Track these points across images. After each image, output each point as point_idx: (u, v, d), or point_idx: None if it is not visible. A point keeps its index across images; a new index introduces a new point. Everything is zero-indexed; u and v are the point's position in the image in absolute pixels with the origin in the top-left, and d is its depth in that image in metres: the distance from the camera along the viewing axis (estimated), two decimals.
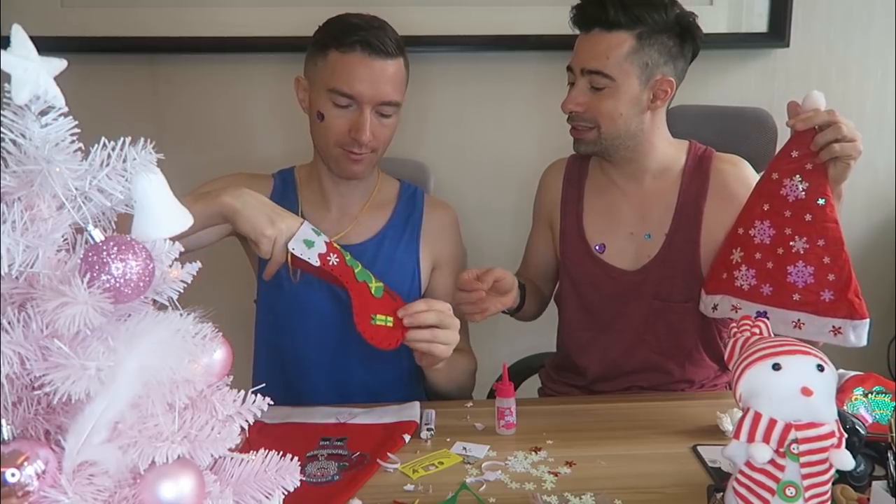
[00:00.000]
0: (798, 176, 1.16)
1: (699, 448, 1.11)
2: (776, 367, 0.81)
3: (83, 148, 0.56)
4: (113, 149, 0.57)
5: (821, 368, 0.81)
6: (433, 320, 1.16)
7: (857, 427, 0.94)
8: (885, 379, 1.06)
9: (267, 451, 0.65)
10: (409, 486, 1.03)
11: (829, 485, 0.80)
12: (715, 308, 1.28)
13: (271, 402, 0.63)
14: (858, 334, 1.15)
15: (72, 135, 0.56)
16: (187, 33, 1.80)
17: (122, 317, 0.56)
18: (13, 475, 0.50)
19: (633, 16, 1.24)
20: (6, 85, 0.53)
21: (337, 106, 1.26)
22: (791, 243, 1.17)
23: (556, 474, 1.06)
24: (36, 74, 0.53)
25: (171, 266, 0.61)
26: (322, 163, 1.36)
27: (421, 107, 1.88)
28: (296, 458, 0.66)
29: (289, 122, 1.81)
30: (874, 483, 0.88)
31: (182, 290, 0.61)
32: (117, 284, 0.53)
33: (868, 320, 1.15)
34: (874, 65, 1.94)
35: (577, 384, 1.49)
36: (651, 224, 1.38)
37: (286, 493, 0.65)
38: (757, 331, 0.90)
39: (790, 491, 0.79)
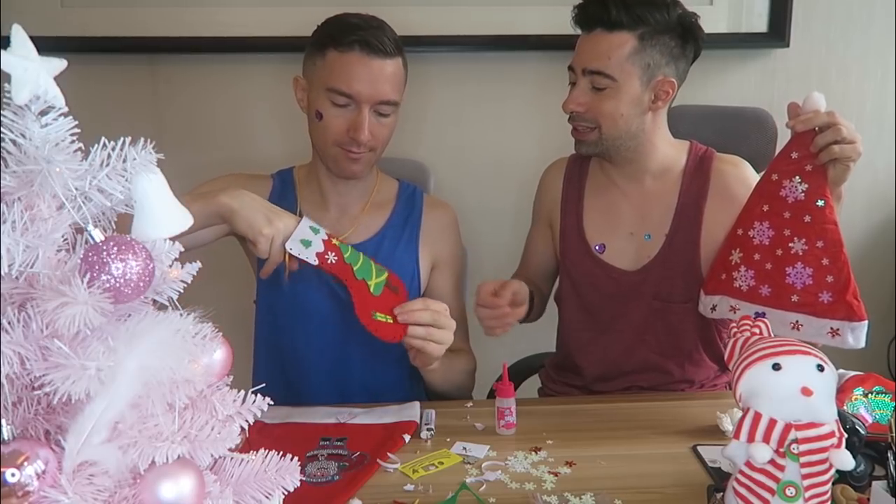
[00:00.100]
0: (798, 177, 1.16)
1: (699, 448, 1.11)
2: (776, 367, 0.81)
3: (83, 148, 0.56)
4: (113, 149, 0.57)
5: (821, 368, 0.81)
6: (428, 319, 1.16)
7: (857, 427, 0.94)
8: (885, 379, 1.06)
9: (267, 451, 0.65)
10: (409, 486, 1.03)
11: (829, 485, 0.80)
12: (713, 309, 1.28)
13: (271, 402, 0.63)
14: (857, 336, 1.14)
15: (72, 135, 0.56)
16: (187, 33, 1.80)
17: (122, 317, 0.56)
18: (13, 475, 0.50)
19: (635, 16, 1.24)
20: (6, 85, 0.53)
21: (335, 105, 1.26)
22: (790, 244, 1.17)
23: (556, 474, 1.06)
24: (36, 74, 0.53)
25: (171, 266, 0.61)
26: (321, 163, 1.36)
27: (421, 107, 1.88)
28: (296, 458, 0.66)
29: (289, 122, 1.81)
30: (874, 483, 0.88)
31: (182, 290, 0.61)
32: (117, 284, 0.53)
33: (867, 322, 1.14)
34: (874, 65, 1.94)
35: (576, 384, 1.49)
36: (651, 224, 1.38)
37: (286, 493, 0.65)
38: (757, 331, 0.90)
39: (790, 491, 0.79)
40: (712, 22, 1.80)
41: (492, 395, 1.41)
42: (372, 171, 1.40)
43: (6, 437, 0.52)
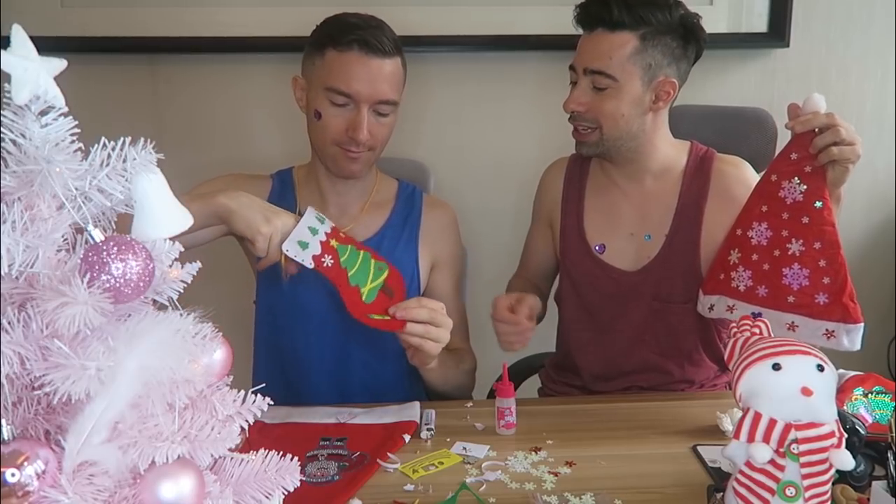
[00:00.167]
0: (797, 178, 1.16)
1: (699, 448, 1.11)
2: (776, 367, 0.81)
3: (83, 148, 0.56)
4: (113, 149, 0.57)
5: (821, 368, 0.81)
6: (425, 316, 1.16)
7: (857, 427, 0.94)
8: (885, 379, 1.06)
9: (267, 451, 0.65)
10: (409, 486, 1.03)
11: (829, 485, 0.80)
12: (711, 308, 1.28)
13: (271, 402, 0.63)
14: (852, 339, 1.14)
15: (72, 135, 0.56)
16: (187, 33, 1.80)
17: (122, 317, 0.56)
18: (13, 475, 0.50)
19: (637, 16, 1.24)
20: (6, 85, 0.53)
21: (334, 105, 1.26)
22: (787, 245, 1.17)
23: (556, 474, 1.06)
24: (36, 74, 0.53)
25: (171, 266, 0.61)
26: (320, 163, 1.36)
27: (421, 107, 1.88)
28: (296, 458, 0.67)
29: (289, 121, 1.81)
30: (874, 483, 0.88)
31: (182, 290, 0.61)
32: (117, 284, 0.53)
33: (862, 325, 1.14)
34: (874, 65, 1.94)
35: (576, 384, 1.49)
36: (651, 225, 1.38)
37: (286, 493, 0.65)
38: (757, 331, 0.90)
39: (790, 491, 0.79)
40: (712, 22, 1.79)
41: (492, 395, 1.41)
42: (371, 170, 1.40)
43: (6, 437, 0.52)
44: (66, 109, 0.55)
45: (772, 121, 1.61)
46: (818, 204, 1.14)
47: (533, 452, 1.12)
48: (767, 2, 1.87)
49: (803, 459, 0.78)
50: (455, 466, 1.09)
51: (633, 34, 1.25)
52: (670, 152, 1.38)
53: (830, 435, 0.78)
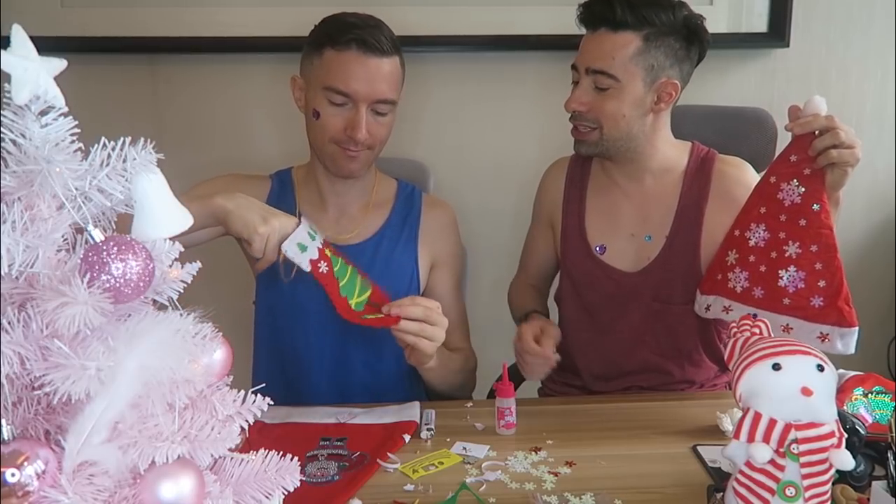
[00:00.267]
0: (795, 180, 1.16)
1: (699, 448, 1.11)
2: (776, 367, 0.81)
3: (83, 148, 0.56)
4: (113, 149, 0.57)
5: (821, 368, 0.81)
6: (419, 314, 1.16)
7: (857, 427, 0.94)
8: (885, 379, 1.06)
9: (267, 451, 0.65)
10: (409, 486, 1.03)
11: (829, 485, 0.80)
12: (708, 308, 1.28)
13: (271, 402, 0.63)
14: (846, 342, 1.14)
15: (72, 135, 0.56)
16: (187, 33, 1.80)
17: (122, 317, 0.56)
18: (13, 475, 0.50)
19: (641, 16, 1.23)
20: (6, 85, 0.53)
21: (332, 104, 1.26)
22: (784, 248, 1.17)
23: (556, 474, 1.06)
24: (36, 74, 0.53)
25: (171, 266, 0.61)
26: (319, 162, 1.36)
27: (420, 107, 1.88)
28: (296, 458, 0.67)
29: (289, 121, 1.80)
30: (874, 483, 0.88)
31: (182, 290, 0.61)
32: (117, 284, 0.53)
33: (857, 329, 1.14)
34: (874, 65, 1.94)
35: (576, 384, 1.49)
36: (652, 225, 1.38)
37: (286, 493, 0.65)
38: (757, 331, 0.90)
39: (790, 491, 0.79)
40: (712, 22, 1.77)
41: (492, 395, 1.41)
42: (370, 170, 1.40)
43: (6, 437, 0.52)
44: (66, 109, 0.55)
45: (772, 121, 1.61)
46: (816, 207, 1.14)
47: (533, 452, 1.12)
48: (767, 2, 1.87)
49: (803, 459, 0.78)
50: (455, 466, 1.09)
51: (637, 34, 1.24)
52: (671, 153, 1.38)
53: (830, 435, 0.78)
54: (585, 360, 1.45)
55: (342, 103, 1.26)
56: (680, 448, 1.12)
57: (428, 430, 1.18)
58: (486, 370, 1.48)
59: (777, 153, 1.23)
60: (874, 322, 1.99)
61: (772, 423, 0.79)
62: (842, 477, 0.93)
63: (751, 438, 0.79)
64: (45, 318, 0.52)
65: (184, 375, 0.57)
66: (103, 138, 0.57)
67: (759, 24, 1.88)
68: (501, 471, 1.07)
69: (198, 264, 0.63)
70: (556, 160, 1.53)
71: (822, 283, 1.14)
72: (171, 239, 0.61)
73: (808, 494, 0.78)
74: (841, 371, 1.03)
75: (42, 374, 0.51)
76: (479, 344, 1.49)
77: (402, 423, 1.20)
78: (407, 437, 1.16)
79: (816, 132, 1.12)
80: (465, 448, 1.13)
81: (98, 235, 0.56)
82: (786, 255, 1.17)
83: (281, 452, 0.66)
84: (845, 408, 1.01)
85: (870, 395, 1.03)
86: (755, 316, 1.16)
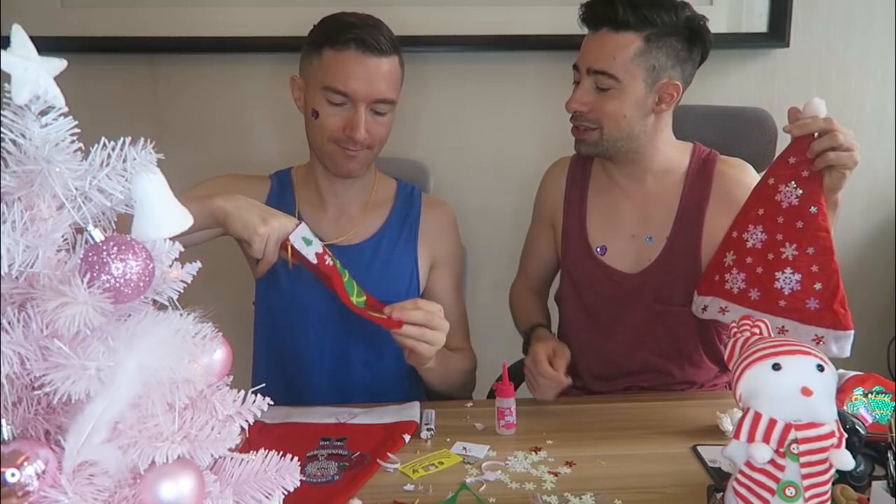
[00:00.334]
0: (793, 182, 1.16)
1: (699, 448, 1.11)
2: (776, 367, 0.81)
3: (83, 148, 0.56)
4: (113, 149, 0.57)
5: (821, 368, 0.81)
6: (421, 318, 1.16)
7: (857, 427, 0.94)
8: (885, 379, 1.06)
9: (267, 451, 0.65)
10: (409, 486, 1.03)
11: (829, 485, 0.80)
12: (705, 309, 1.28)
13: (271, 402, 0.63)
14: (841, 346, 1.13)
15: (72, 135, 0.56)
16: (187, 33, 1.80)
17: (122, 317, 0.56)
18: (13, 475, 0.50)
19: (643, 17, 1.23)
20: (6, 85, 0.53)
21: (331, 104, 1.26)
22: (781, 249, 1.17)
23: (556, 474, 1.06)
24: (36, 74, 0.53)
25: (171, 266, 0.61)
26: (318, 162, 1.36)
27: (421, 107, 1.88)
28: (296, 458, 0.67)
29: (289, 121, 1.80)
30: (874, 483, 0.88)
31: (182, 290, 0.61)
32: (117, 284, 0.53)
33: (852, 332, 1.13)
34: (874, 65, 1.94)
35: (576, 384, 1.48)
36: (653, 226, 1.38)
37: (286, 493, 0.65)
38: (757, 331, 0.90)
39: (790, 491, 0.79)
40: (712, 22, 1.75)
41: (492, 395, 1.41)
42: (370, 170, 1.39)
43: (6, 437, 0.52)
44: (66, 109, 0.55)
45: (772, 121, 1.61)
46: (813, 209, 1.14)
47: (533, 452, 1.12)
48: (767, 2, 1.87)
49: (803, 459, 0.78)
50: (455, 466, 1.09)
51: (638, 35, 1.24)
52: (672, 154, 1.38)
53: (830, 435, 0.78)
54: (586, 360, 1.45)
55: (341, 103, 1.26)
56: (680, 448, 1.12)
57: (428, 430, 1.18)
58: (486, 370, 1.48)
59: (777, 153, 1.23)
60: (874, 322, 1.99)
61: (772, 423, 0.79)
62: (842, 477, 0.93)
63: (751, 438, 0.79)
64: (45, 318, 0.52)
65: (184, 375, 0.57)
66: (103, 138, 0.57)
67: (759, 24, 1.88)
68: (501, 471, 1.07)
69: (198, 264, 0.63)
70: (556, 160, 1.53)
71: (818, 286, 1.14)
72: (171, 239, 0.61)
73: (808, 494, 0.78)
74: (841, 371, 1.03)
75: (42, 374, 0.51)
76: (479, 344, 1.49)
77: (402, 423, 1.20)
78: (407, 437, 1.16)
79: (815, 134, 1.12)
80: (465, 448, 1.13)
81: (98, 235, 0.56)
82: (782, 257, 1.17)
83: (281, 452, 0.66)
84: (845, 408, 1.01)
85: (870, 395, 1.03)
86: None
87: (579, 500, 0.99)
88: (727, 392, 1.39)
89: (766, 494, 0.79)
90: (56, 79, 0.54)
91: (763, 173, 1.24)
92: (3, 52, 0.52)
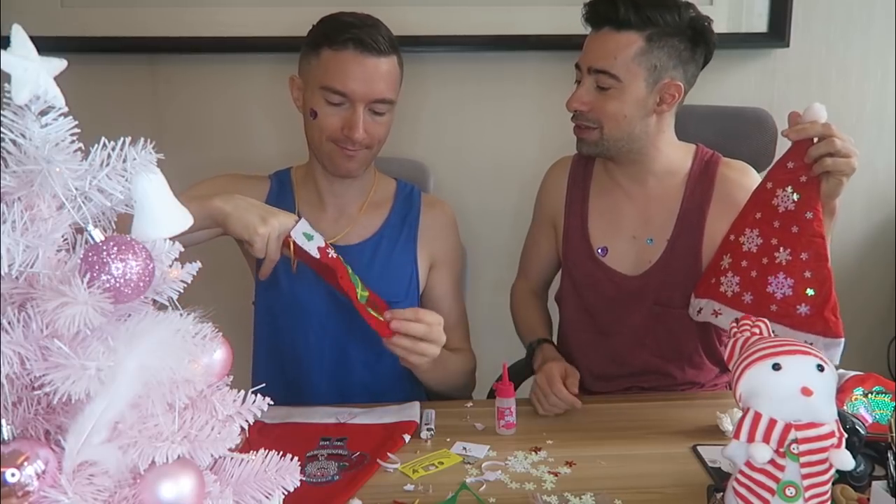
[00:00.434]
0: (790, 187, 1.15)
1: (699, 448, 1.11)
2: (776, 367, 0.81)
3: (83, 148, 0.56)
4: (113, 149, 0.57)
5: (821, 368, 0.81)
6: (420, 332, 1.15)
7: (857, 427, 0.94)
8: (885, 379, 1.06)
9: (267, 451, 0.65)
10: (409, 486, 1.03)
11: (829, 485, 0.80)
12: (699, 311, 1.28)
13: (271, 402, 0.63)
14: (830, 354, 1.13)
15: (72, 135, 0.56)
16: (187, 33, 1.80)
17: (122, 317, 0.56)
18: (13, 475, 0.50)
19: (644, 16, 1.22)
20: (6, 85, 0.53)
21: (330, 104, 1.26)
22: (775, 254, 1.17)
23: (556, 474, 1.06)
24: (36, 74, 0.53)
25: (171, 266, 0.61)
26: (317, 162, 1.36)
27: (420, 107, 1.88)
28: (296, 458, 0.66)
29: (288, 121, 1.80)
30: (874, 483, 0.88)
31: (182, 290, 0.61)
32: (117, 284, 0.53)
33: (842, 340, 1.13)
34: (874, 65, 1.94)
35: None
36: (654, 228, 1.37)
37: (286, 493, 0.65)
38: (757, 331, 0.90)
39: (790, 491, 0.79)
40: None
41: (492, 395, 1.41)
42: (369, 170, 1.39)
43: (6, 437, 0.52)
44: (66, 109, 0.55)
45: (772, 121, 1.61)
46: (809, 215, 1.14)
47: (533, 452, 1.12)
48: (767, 2, 1.87)
49: (803, 459, 0.78)
50: (455, 466, 1.09)
51: (640, 34, 1.24)
52: (675, 155, 1.37)
53: (830, 435, 0.78)
54: (586, 360, 1.45)
55: (339, 103, 1.26)
56: (680, 448, 1.12)
57: (428, 430, 1.18)
58: (486, 370, 1.48)
59: (777, 154, 1.23)
60: (874, 322, 1.99)
61: (772, 423, 0.79)
62: (842, 477, 0.93)
63: (751, 438, 0.79)
64: (45, 318, 0.52)
65: (184, 375, 0.57)
66: (103, 138, 0.57)
67: (759, 24, 1.88)
68: (501, 471, 1.07)
69: (198, 264, 0.63)
70: (558, 160, 1.52)
71: (810, 292, 1.14)
72: (171, 239, 0.61)
73: (808, 494, 0.78)
74: (841, 371, 1.03)
75: (42, 374, 0.51)
76: (479, 344, 1.49)
77: (402, 423, 1.20)
78: (407, 437, 1.16)
79: (814, 139, 1.12)
80: (465, 448, 1.13)
81: (98, 235, 0.56)
82: (776, 262, 1.17)
83: (281, 452, 0.66)
84: (845, 408, 1.01)
85: (870, 395, 1.03)
86: None
87: (579, 500, 0.99)
88: (727, 392, 1.39)
89: (766, 494, 0.79)
90: (56, 79, 0.54)
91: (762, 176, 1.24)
92: (3, 52, 0.52)
